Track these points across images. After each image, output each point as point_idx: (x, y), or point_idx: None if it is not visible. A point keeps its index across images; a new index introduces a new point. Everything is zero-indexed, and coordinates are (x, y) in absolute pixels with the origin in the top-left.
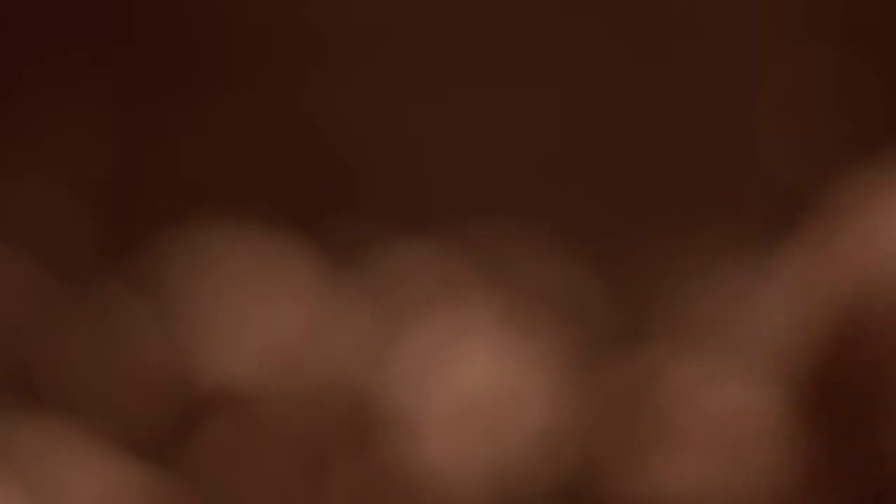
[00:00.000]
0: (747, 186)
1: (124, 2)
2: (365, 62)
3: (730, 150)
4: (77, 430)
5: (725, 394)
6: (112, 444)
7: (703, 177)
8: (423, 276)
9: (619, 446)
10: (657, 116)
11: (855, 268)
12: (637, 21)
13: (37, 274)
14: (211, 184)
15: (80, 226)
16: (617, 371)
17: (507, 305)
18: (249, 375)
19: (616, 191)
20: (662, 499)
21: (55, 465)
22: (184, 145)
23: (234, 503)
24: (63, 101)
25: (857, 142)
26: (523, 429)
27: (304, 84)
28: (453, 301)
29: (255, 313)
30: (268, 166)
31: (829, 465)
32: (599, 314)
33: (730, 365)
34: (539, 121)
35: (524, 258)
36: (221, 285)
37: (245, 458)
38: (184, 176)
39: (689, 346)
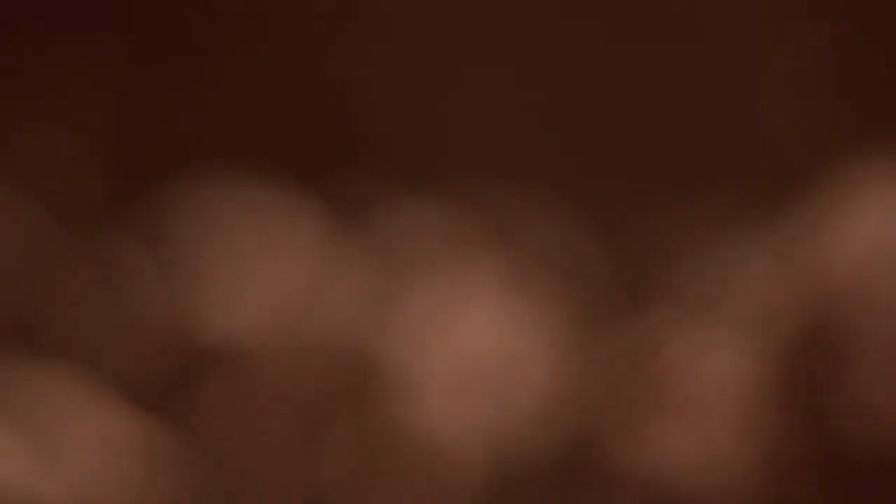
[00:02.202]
0: (749, 159)
1: None
2: (374, 20)
3: (732, 122)
4: (77, 381)
5: (725, 363)
6: (112, 395)
7: (706, 148)
8: (427, 237)
9: (618, 413)
10: (661, 87)
11: (851, 243)
12: (645, 3)
13: (41, 225)
14: (216, 139)
15: (85, 178)
16: (618, 338)
17: (509, 269)
18: (250, 331)
19: (620, 159)
20: (660, 466)
21: (55, 415)
22: (189, 100)
23: (232, 457)
24: (69, 54)
25: (857, 120)
26: (523, 393)
27: (312, 40)
28: (456, 263)
29: (258, 269)
30: (273, 122)
31: (825, 435)
32: (602, 281)
33: (729, 335)
34: (546, 87)
35: (528, 223)
36: (224, 240)
37: (243, 413)
38: (189, 130)
39: (689, 315)
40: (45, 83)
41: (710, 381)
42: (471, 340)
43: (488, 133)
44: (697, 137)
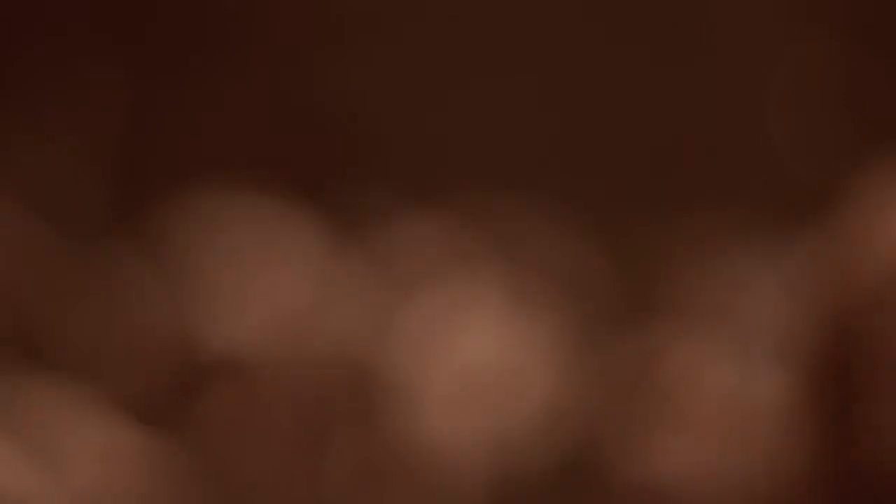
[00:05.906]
0: (755, 172)
1: None
2: (377, 35)
3: (739, 135)
4: (80, 392)
5: (727, 374)
6: (114, 406)
7: (712, 161)
8: (430, 249)
9: (621, 424)
10: (668, 101)
11: (858, 253)
12: (650, 13)
13: (44, 236)
14: (220, 151)
15: (89, 190)
16: (620, 349)
17: (512, 281)
18: (253, 342)
19: (625, 172)
20: (662, 475)
21: (57, 426)
22: (194, 113)
23: (234, 468)
24: (77, 66)
25: (861, 129)
26: (525, 404)
27: (316, 56)
28: (458, 275)
29: (261, 281)
30: (277, 135)
31: (830, 447)
32: (605, 292)
33: (732, 346)
34: (550, 100)
35: (531, 234)
36: (228, 252)
37: (246, 424)
38: (193, 143)
39: (692, 326)
40: (49, 97)
41: (711, 392)
42: (473, 352)
43: (490, 145)
44: (702, 150)
